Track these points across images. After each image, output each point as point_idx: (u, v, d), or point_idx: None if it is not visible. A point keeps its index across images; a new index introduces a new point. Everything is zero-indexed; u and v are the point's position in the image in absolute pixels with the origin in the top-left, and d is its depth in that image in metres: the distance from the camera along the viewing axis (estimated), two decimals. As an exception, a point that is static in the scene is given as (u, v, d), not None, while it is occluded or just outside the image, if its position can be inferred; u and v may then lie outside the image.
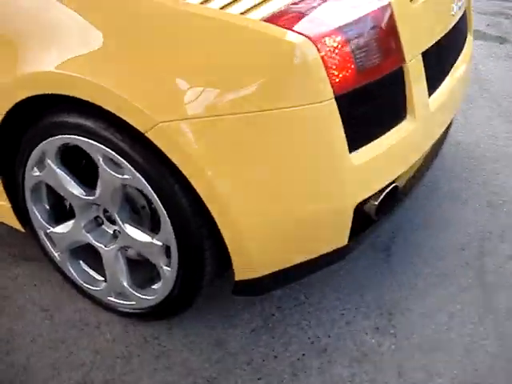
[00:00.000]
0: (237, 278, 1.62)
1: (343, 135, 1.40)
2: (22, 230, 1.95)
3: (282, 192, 1.45)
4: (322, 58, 1.33)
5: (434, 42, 1.69)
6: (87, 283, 1.85)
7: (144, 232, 1.65)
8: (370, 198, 1.55)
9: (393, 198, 1.64)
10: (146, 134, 1.43)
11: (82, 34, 1.53)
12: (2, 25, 1.66)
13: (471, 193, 2.44)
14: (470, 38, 2.25)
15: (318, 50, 1.33)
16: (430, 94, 1.70)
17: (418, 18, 1.60)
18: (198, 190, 1.45)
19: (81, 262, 1.87)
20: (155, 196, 1.52)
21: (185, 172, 1.44)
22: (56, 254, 1.87)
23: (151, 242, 1.62)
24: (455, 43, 1.99)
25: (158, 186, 1.51)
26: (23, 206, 1.85)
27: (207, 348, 1.74)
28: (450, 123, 2.16)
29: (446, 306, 1.89)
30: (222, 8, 1.40)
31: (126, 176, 1.55)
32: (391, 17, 1.48)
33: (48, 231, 1.84)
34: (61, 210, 1.84)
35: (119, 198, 1.64)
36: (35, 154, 1.70)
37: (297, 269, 1.63)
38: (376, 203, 1.58)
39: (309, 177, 1.45)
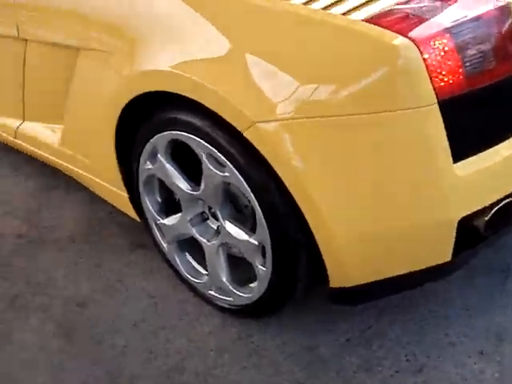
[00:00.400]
0: (331, 285, 1.58)
1: (446, 143, 1.32)
2: (138, 220, 2.07)
3: (379, 200, 1.40)
4: (426, 60, 1.26)
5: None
6: (191, 275, 1.92)
7: (242, 230, 1.67)
8: (478, 212, 1.44)
9: (506, 214, 1.51)
10: (243, 133, 1.45)
11: (200, 39, 1.58)
12: (128, 22, 1.77)
13: None
14: None
15: (422, 52, 1.26)
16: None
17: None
18: (291, 192, 1.44)
19: (187, 254, 1.94)
20: (252, 195, 1.54)
21: (279, 173, 1.44)
22: (165, 245, 1.96)
23: (248, 241, 1.64)
24: None
25: (255, 186, 1.52)
26: (138, 197, 1.96)
27: (299, 352, 1.72)
28: None
29: None
30: (324, 8, 1.38)
31: (226, 174, 1.58)
32: (509, 18, 1.36)
33: (158, 222, 1.93)
34: (171, 203, 1.92)
35: (221, 195, 1.67)
36: (148, 148, 1.79)
37: (395, 281, 1.55)
38: (486, 219, 1.46)
39: (408, 185, 1.38)
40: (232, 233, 1.68)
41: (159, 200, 1.92)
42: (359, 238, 1.45)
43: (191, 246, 1.90)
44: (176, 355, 1.74)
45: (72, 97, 2.03)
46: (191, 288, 1.95)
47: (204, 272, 1.89)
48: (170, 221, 1.89)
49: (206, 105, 1.50)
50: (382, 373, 1.64)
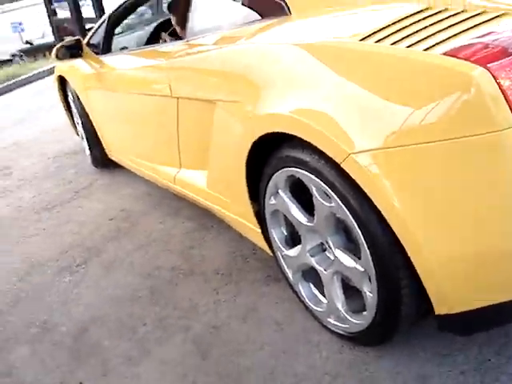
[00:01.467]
0: (436, 313, 1.60)
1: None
2: (270, 254, 2.25)
3: (476, 223, 1.42)
4: (501, 87, 1.30)
5: None
6: (313, 303, 2.04)
7: (351, 257, 1.76)
8: None
9: None
10: (341, 165, 1.58)
11: (312, 86, 1.75)
12: (256, 74, 2.00)
13: None
14: None
15: (497, 79, 1.30)
16: None
17: None
18: (388, 220, 1.52)
19: (310, 283, 2.07)
20: (355, 224, 1.64)
21: (376, 202, 1.53)
22: (290, 275, 2.11)
23: (355, 268, 1.73)
24: None
25: (357, 215, 1.62)
26: (267, 230, 2.15)
27: (410, 381, 1.74)
28: None
29: None
30: (408, 47, 1.48)
31: (332, 205, 1.71)
32: None
33: (283, 254, 2.10)
34: (294, 235, 2.07)
35: (332, 225, 1.79)
36: (271, 184, 1.98)
37: (503, 308, 1.53)
38: None
39: (502, 208, 1.39)
40: (342, 260, 1.79)
41: (284, 232, 2.10)
42: (458, 262, 1.47)
43: (314, 275, 2.03)
44: (292, 377, 1.86)
45: (212, 143, 2.32)
46: (314, 316, 2.06)
47: (324, 300, 2.00)
48: (292, 252, 2.05)
49: (311, 141, 1.66)
50: (494, 408, 1.59)
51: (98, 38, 3.62)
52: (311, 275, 2.05)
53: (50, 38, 19.11)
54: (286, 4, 2.11)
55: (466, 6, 1.58)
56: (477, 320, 1.58)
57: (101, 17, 7.07)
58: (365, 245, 1.64)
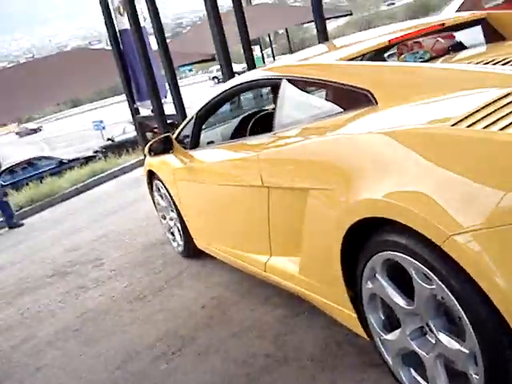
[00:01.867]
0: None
1: None
2: (367, 338, 2.24)
3: None
4: None
5: None
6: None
7: (454, 340, 1.74)
8: None
9: None
10: (442, 247, 1.60)
11: (406, 172, 1.82)
12: (349, 162, 2.09)
13: None
14: None
15: None
16: None
17: None
18: (493, 301, 1.51)
19: (411, 368, 2.03)
20: (458, 306, 1.63)
21: (479, 282, 1.53)
22: (390, 360, 2.09)
23: (459, 350, 1.70)
24: None
25: (460, 296, 1.62)
26: (364, 315, 2.16)
27: None
28: None
29: None
30: (501, 129, 1.53)
31: (433, 287, 1.71)
32: None
33: (382, 338, 2.09)
34: (392, 319, 2.07)
35: (433, 308, 1.79)
36: (368, 268, 2.01)
37: None
38: None
39: None
40: (445, 343, 1.76)
41: (382, 317, 2.10)
42: None
43: (414, 359, 2.00)
44: None
45: (305, 230, 2.39)
46: (417, 403, 2.01)
47: (427, 386, 1.96)
48: (392, 336, 2.03)
49: (409, 224, 1.70)
50: None
51: (186, 134, 3.86)
52: (412, 359, 2.01)
53: (130, 134, 20.47)
54: (371, 95, 2.22)
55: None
56: None
57: (181, 112, 7.53)
58: (469, 326, 1.62)
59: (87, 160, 17.36)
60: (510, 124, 1.52)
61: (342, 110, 2.41)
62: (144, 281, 4.13)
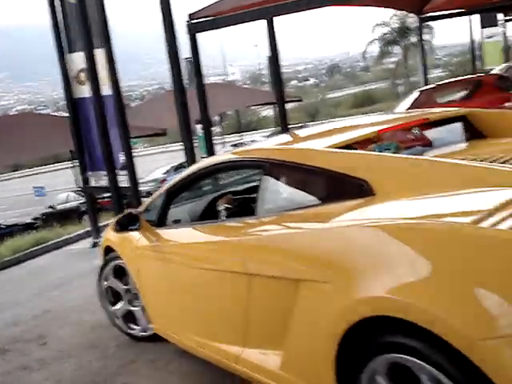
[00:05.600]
0: None
1: None
2: None
3: None
4: None
5: None
6: None
7: None
8: None
9: None
10: (464, 353, 1.49)
11: (408, 265, 1.74)
12: (344, 256, 1.99)
13: None
14: None
15: None
16: None
17: None
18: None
19: None
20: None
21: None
22: None
23: None
24: None
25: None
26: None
27: None
28: None
29: None
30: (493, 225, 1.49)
31: (447, 394, 1.59)
32: None
33: None
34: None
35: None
36: (367, 371, 1.87)
37: None
38: None
39: None
40: None
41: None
42: None
43: None
44: None
45: (293, 324, 2.23)
46: None
47: None
48: None
49: (422, 325, 1.59)
50: None
51: (153, 211, 3.68)
52: None
53: (73, 203, 19.97)
54: (368, 185, 2.16)
55: None
56: None
57: (134, 186, 7.38)
58: None
59: (27, 227, 16.72)
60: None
61: (333, 198, 2.34)
62: (95, 365, 3.80)
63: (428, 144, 3.06)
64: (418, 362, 1.66)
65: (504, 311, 1.45)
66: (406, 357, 1.70)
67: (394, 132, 2.97)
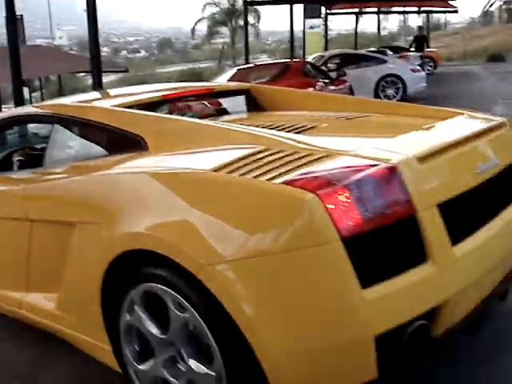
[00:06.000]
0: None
1: (352, 272, 1.64)
2: (121, 371, 2.30)
3: (303, 322, 1.70)
4: (327, 208, 1.64)
5: (453, 196, 1.92)
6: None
7: (203, 365, 1.92)
8: (394, 331, 1.71)
9: (424, 334, 1.78)
10: (197, 277, 1.79)
11: (164, 206, 2.01)
12: (111, 200, 2.21)
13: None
14: None
15: (325, 203, 1.65)
16: (458, 241, 1.89)
17: (429, 177, 1.87)
18: (238, 325, 1.74)
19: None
20: (208, 332, 1.83)
21: (227, 309, 1.75)
22: (142, 391, 2.18)
23: (207, 373, 1.89)
24: (491, 198, 2.17)
25: (209, 322, 1.82)
26: (120, 349, 2.23)
27: None
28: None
29: None
30: (255, 176, 1.80)
31: (187, 314, 1.88)
32: (397, 175, 1.77)
33: (135, 369, 2.18)
34: (147, 350, 2.17)
35: (185, 336, 1.95)
36: (126, 301, 2.11)
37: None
38: (404, 338, 1.73)
39: (324, 310, 1.68)
40: (195, 368, 1.94)
41: (137, 348, 2.19)
42: (296, 359, 1.72)
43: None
44: None
45: (68, 265, 2.40)
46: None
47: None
48: (145, 366, 2.14)
49: (167, 255, 1.87)
50: None
51: None
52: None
53: None
54: (144, 140, 2.39)
55: (297, 148, 1.97)
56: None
57: None
58: (217, 351, 1.82)
59: None
60: (263, 173, 1.80)
61: (114, 151, 2.54)
62: None
63: (218, 112, 3.40)
64: (165, 288, 1.94)
65: (228, 241, 1.77)
66: (156, 285, 1.97)
67: (185, 99, 3.25)
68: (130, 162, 2.35)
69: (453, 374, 2.38)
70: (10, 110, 3.43)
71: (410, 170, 1.81)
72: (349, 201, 1.67)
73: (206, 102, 3.46)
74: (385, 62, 13.86)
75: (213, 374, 1.87)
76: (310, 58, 14.91)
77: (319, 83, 9.39)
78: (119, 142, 2.55)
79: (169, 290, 1.93)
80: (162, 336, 2.03)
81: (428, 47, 21.70)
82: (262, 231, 1.73)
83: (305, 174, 1.77)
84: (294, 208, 1.69)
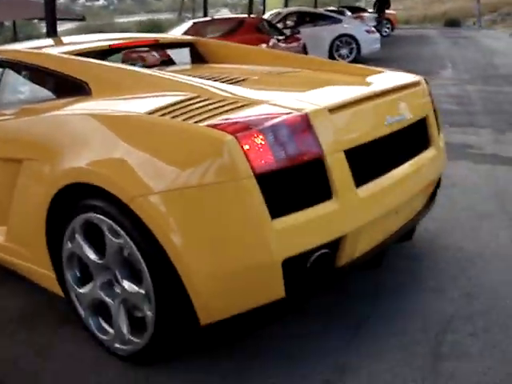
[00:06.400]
0: (202, 324, 2.08)
1: (263, 205, 1.91)
2: (63, 296, 2.55)
3: (220, 247, 1.97)
4: (244, 149, 1.90)
5: (360, 144, 2.19)
6: (101, 333, 2.38)
7: (135, 284, 2.18)
8: (300, 257, 2.00)
9: (327, 261, 2.08)
10: (129, 206, 2.03)
11: (101, 145, 2.22)
12: (54, 139, 2.42)
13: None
14: (433, 149, 2.70)
15: (242, 144, 1.90)
16: (362, 183, 2.18)
17: (338, 126, 2.13)
18: (165, 249, 2.00)
19: (100, 318, 2.41)
20: (139, 255, 2.08)
21: (156, 235, 2.01)
22: (82, 312, 2.44)
23: (138, 291, 2.15)
24: (399, 148, 2.47)
25: (140, 247, 2.08)
26: (63, 275, 2.47)
27: None
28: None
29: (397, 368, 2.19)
30: (184, 120, 2.04)
31: (121, 240, 2.13)
32: (307, 123, 2.03)
33: (76, 292, 2.43)
34: (86, 275, 2.41)
35: (119, 260, 2.21)
36: (68, 230, 2.35)
37: (247, 317, 2.06)
38: (308, 264, 2.03)
39: (239, 237, 1.96)
40: (127, 288, 2.20)
41: (77, 274, 2.43)
42: (213, 280, 2.00)
43: (103, 310, 2.36)
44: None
45: (15, 199, 2.61)
46: (104, 346, 2.39)
47: (111, 330, 2.35)
48: (85, 289, 2.39)
49: (104, 187, 2.10)
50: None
51: None
52: (101, 309, 2.37)
53: None
54: (88, 86, 2.58)
55: (223, 97, 2.20)
56: (233, 325, 2.10)
57: None
58: (146, 271, 2.08)
59: None
60: (191, 117, 2.05)
61: (60, 95, 2.73)
62: None
63: (164, 63, 3.60)
64: (101, 217, 2.17)
65: (156, 175, 2.01)
66: (94, 215, 2.20)
67: (131, 48, 3.44)
68: (74, 105, 2.54)
69: (339, 304, 2.70)
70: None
71: (320, 118, 2.07)
72: (263, 143, 1.93)
73: (154, 53, 3.64)
74: (340, 21, 14.03)
75: (143, 291, 2.13)
76: (265, 15, 14.97)
77: (272, 40, 9.57)
78: (65, 86, 2.73)
79: (105, 218, 2.16)
80: (99, 261, 2.28)
81: (388, 9, 21.91)
82: (186, 167, 1.98)
83: (226, 119, 2.01)
84: (215, 148, 1.93)
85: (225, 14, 41.30)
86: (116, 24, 46.92)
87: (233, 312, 2.05)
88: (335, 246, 2.13)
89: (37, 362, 2.38)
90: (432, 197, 2.91)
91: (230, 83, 2.56)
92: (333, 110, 2.14)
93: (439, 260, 3.12)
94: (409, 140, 2.54)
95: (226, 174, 1.91)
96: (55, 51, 3.04)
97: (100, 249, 2.27)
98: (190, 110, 2.09)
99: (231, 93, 2.26)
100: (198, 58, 3.69)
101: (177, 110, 2.12)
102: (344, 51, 13.72)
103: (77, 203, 2.28)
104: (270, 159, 1.93)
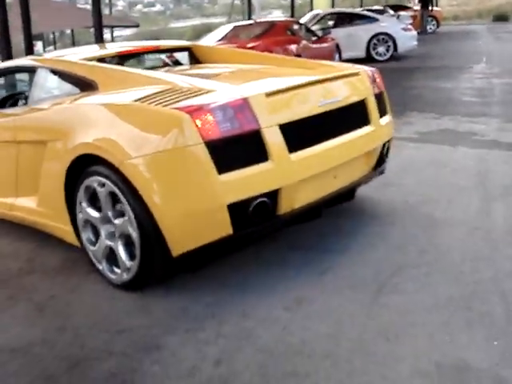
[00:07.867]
0: (174, 255, 2.76)
1: (212, 164, 2.58)
2: (79, 246, 3.29)
3: (181, 196, 2.66)
4: (196, 124, 2.57)
5: (293, 120, 2.84)
6: (110, 272, 3.09)
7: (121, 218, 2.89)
8: (242, 203, 2.66)
9: (265, 208, 2.73)
10: (119, 168, 2.74)
11: (105, 125, 2.95)
12: (67, 123, 3.16)
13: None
14: (371, 126, 3.31)
15: (194, 119, 2.58)
16: (295, 150, 2.82)
17: (273, 106, 2.78)
18: (142, 195, 2.70)
19: (113, 266, 3.08)
20: (124, 199, 2.79)
21: (134, 185, 2.72)
22: (99, 266, 3.13)
23: (124, 220, 2.85)
24: (333, 124, 3.10)
25: (127, 199, 2.78)
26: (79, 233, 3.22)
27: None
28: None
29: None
30: (157, 104, 2.74)
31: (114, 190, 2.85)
32: (247, 104, 2.69)
33: (91, 250, 3.16)
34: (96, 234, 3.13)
35: (111, 207, 2.92)
36: (78, 195, 3.08)
37: (210, 248, 2.73)
38: (250, 209, 2.70)
39: (193, 187, 2.63)
40: (118, 223, 2.91)
41: (90, 236, 3.16)
42: (180, 217, 2.67)
43: (112, 257, 3.05)
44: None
45: (43, 170, 3.36)
46: (107, 279, 3.11)
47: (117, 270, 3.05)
48: (97, 247, 3.11)
49: (103, 156, 2.82)
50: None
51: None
52: (110, 257, 3.06)
53: None
54: (95, 83, 3.34)
55: (189, 88, 2.90)
56: (197, 256, 2.78)
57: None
58: (129, 209, 2.77)
59: None
60: (162, 103, 2.74)
61: (75, 91, 3.51)
62: None
63: (174, 63, 4.38)
64: (101, 178, 2.88)
65: (136, 144, 2.69)
66: (97, 177, 2.92)
67: (135, 55, 4.24)
68: (86, 98, 3.29)
69: (314, 257, 3.30)
70: (8, 61, 4.39)
71: (258, 101, 2.74)
72: (211, 119, 2.60)
73: (167, 57, 4.43)
74: (377, 20, 14.41)
75: (126, 218, 2.83)
76: (307, 16, 15.48)
77: (303, 41, 10.14)
78: (81, 85, 3.50)
79: (103, 179, 2.88)
80: (98, 216, 3.02)
81: (436, 6, 21.96)
82: (156, 138, 2.67)
83: (187, 103, 2.70)
84: (177, 123, 2.62)
85: (276, 16, 42.01)
86: (170, 29, 48.44)
87: (195, 245, 2.72)
88: (273, 197, 2.78)
89: (69, 297, 3.06)
90: (376, 167, 3.50)
91: (204, 78, 3.26)
92: (270, 94, 2.80)
93: (409, 225, 3.63)
94: (343, 118, 3.16)
95: (183, 142, 2.59)
96: (74, 58, 3.81)
97: (99, 208, 3.01)
98: (163, 98, 2.79)
99: (194, 85, 2.97)
100: (195, 60, 4.51)
101: (154, 98, 2.81)
102: (381, 49, 14.10)
103: (86, 170, 3.01)
104: (216, 131, 2.60)
